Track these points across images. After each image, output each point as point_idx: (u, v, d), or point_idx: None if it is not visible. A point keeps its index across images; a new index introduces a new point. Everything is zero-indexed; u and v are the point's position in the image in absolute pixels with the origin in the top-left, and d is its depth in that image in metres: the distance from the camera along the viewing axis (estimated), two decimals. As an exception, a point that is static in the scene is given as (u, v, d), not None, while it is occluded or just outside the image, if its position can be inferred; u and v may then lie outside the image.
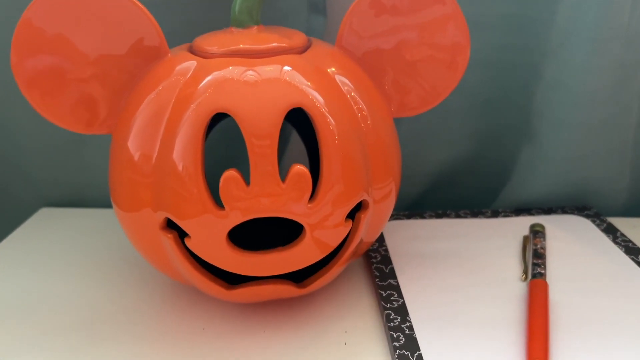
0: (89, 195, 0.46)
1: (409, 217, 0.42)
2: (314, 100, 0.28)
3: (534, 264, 0.35)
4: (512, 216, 0.42)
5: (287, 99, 0.27)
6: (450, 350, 0.29)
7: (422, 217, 0.42)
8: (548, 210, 0.43)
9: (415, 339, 0.29)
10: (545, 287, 0.32)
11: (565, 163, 0.41)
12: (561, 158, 0.41)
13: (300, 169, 0.27)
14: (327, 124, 0.27)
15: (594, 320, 0.31)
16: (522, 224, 0.41)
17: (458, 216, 0.42)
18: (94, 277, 0.36)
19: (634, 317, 0.31)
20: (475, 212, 0.43)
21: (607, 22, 0.37)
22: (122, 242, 0.38)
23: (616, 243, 0.38)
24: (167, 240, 0.29)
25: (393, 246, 0.39)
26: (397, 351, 0.28)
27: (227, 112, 0.27)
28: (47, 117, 0.29)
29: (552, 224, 0.41)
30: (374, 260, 0.37)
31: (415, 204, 0.46)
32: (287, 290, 0.30)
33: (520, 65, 0.42)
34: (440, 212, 0.43)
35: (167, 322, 0.32)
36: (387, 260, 0.37)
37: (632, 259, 0.36)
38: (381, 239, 0.39)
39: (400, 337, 0.29)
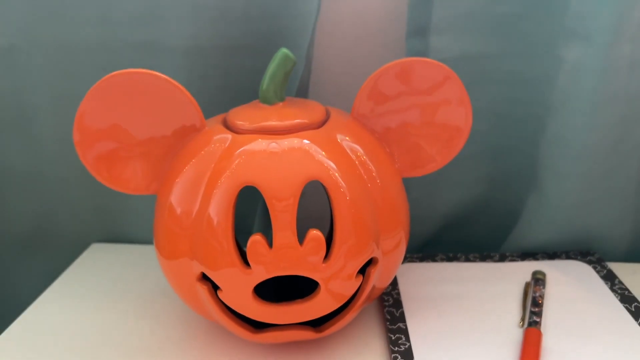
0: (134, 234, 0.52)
1: (421, 259, 0.46)
2: (328, 169, 0.32)
3: (532, 312, 0.38)
4: (518, 261, 0.45)
5: (305, 171, 0.32)
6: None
7: (434, 260, 0.46)
8: (552, 255, 0.46)
9: (417, 382, 0.33)
10: (538, 335, 0.35)
11: (569, 210, 0.44)
12: (565, 205, 0.44)
13: (315, 234, 0.31)
14: (339, 191, 0.32)
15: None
16: (526, 269, 0.44)
17: (467, 259, 0.46)
18: (138, 310, 0.41)
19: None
20: (484, 255, 0.46)
21: (607, 85, 0.40)
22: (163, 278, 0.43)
23: (613, 290, 0.41)
24: (202, 290, 0.33)
25: (405, 289, 0.42)
26: (401, 394, 0.32)
27: (253, 185, 0.31)
28: (103, 183, 0.35)
29: (555, 268, 0.44)
30: (386, 304, 0.41)
31: (428, 244, 0.50)
32: (306, 334, 0.35)
33: (526, 118, 0.45)
34: (451, 255, 0.47)
35: (198, 358, 0.36)
36: (398, 303, 0.41)
37: (626, 308, 0.39)
38: (394, 282, 0.43)
39: (405, 380, 0.33)
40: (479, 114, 0.45)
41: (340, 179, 0.32)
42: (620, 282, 0.42)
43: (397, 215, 0.35)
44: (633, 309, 0.39)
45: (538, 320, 0.37)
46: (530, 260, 0.45)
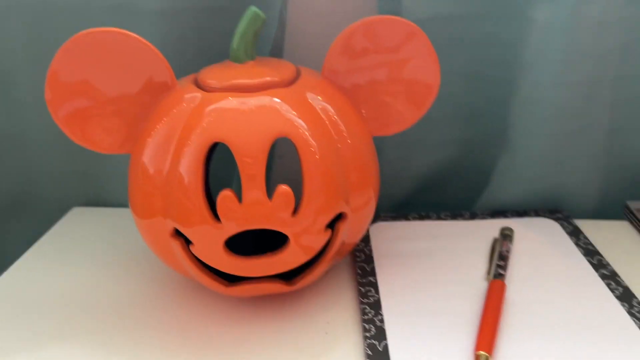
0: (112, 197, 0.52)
1: (394, 218, 0.47)
2: (298, 127, 0.33)
3: (498, 266, 0.39)
4: (488, 219, 0.47)
5: (274, 128, 0.32)
6: (414, 340, 0.34)
7: (407, 218, 0.47)
8: (522, 213, 0.47)
9: (384, 331, 0.34)
10: (502, 287, 0.37)
11: (539, 169, 0.46)
12: (534, 165, 0.45)
13: (284, 190, 0.32)
14: (308, 148, 0.32)
15: (543, 317, 0.35)
16: (496, 226, 0.45)
17: (439, 218, 0.47)
18: (118, 272, 0.42)
19: (580, 314, 0.35)
20: (455, 214, 0.48)
21: (575, 45, 0.41)
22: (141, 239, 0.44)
23: (578, 245, 0.42)
24: (175, 246, 0.34)
25: (377, 246, 0.44)
26: (367, 341, 0.34)
27: (223, 142, 0.32)
28: (76, 142, 0.35)
29: (523, 226, 0.45)
30: (358, 259, 0.42)
31: (403, 205, 0.51)
32: (278, 287, 0.36)
33: (498, 79, 0.46)
34: (423, 214, 0.48)
35: (174, 312, 0.38)
36: (370, 259, 0.42)
37: (589, 261, 0.40)
38: (367, 240, 0.44)
39: (372, 329, 0.35)
40: (452, 75, 0.46)
41: (309, 136, 0.33)
42: (585, 238, 0.43)
43: (366, 173, 0.36)
44: (595, 262, 0.40)
45: (503, 273, 0.38)
46: (500, 218, 0.47)
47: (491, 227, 0.45)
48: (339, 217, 0.35)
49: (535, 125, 0.44)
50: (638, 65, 0.42)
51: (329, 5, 0.46)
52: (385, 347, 0.33)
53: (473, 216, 0.47)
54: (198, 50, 0.45)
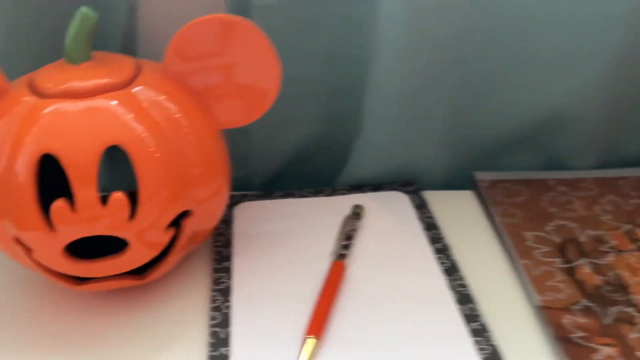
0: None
1: (259, 198, 0.49)
2: (131, 132, 0.33)
3: (342, 246, 0.43)
4: (346, 194, 0.50)
5: (105, 136, 0.33)
6: (258, 325, 0.37)
7: (271, 197, 0.49)
8: (378, 187, 0.50)
9: (229, 318, 0.37)
10: (341, 267, 0.40)
11: (391, 148, 0.48)
12: (386, 144, 0.48)
13: (117, 197, 0.33)
14: (141, 155, 0.33)
15: (377, 294, 0.39)
16: (352, 202, 0.48)
17: (302, 195, 0.50)
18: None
19: (408, 289, 0.39)
20: (317, 190, 0.50)
21: (414, 33, 0.43)
22: None
23: (420, 219, 0.46)
24: (19, 251, 0.35)
25: (239, 228, 0.46)
26: (212, 329, 0.36)
27: (52, 153, 0.32)
28: None
29: (377, 200, 0.49)
30: (217, 244, 0.44)
31: (272, 181, 0.53)
32: (129, 282, 0.38)
33: (353, 61, 0.47)
34: (287, 191, 0.50)
35: (25, 307, 0.39)
36: (228, 243, 0.44)
37: (427, 235, 0.44)
38: (230, 222, 0.46)
39: (218, 317, 0.37)
40: (312, 57, 0.48)
41: (143, 140, 0.33)
42: (429, 211, 0.47)
43: (213, 166, 0.38)
44: (432, 236, 0.44)
45: (345, 252, 0.42)
46: (357, 193, 0.50)
47: (348, 203, 0.48)
48: (185, 212, 0.37)
49: (380, 108, 0.46)
50: (476, 50, 0.45)
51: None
52: (227, 334, 0.36)
53: (333, 192, 0.50)
54: (44, 49, 0.43)
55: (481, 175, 0.51)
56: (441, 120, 0.48)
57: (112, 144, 0.33)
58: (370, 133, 0.48)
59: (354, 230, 0.44)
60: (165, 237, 0.36)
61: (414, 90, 0.45)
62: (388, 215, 0.47)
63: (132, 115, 0.34)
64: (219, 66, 0.36)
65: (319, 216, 0.47)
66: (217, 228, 0.45)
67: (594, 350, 0.34)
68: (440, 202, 0.49)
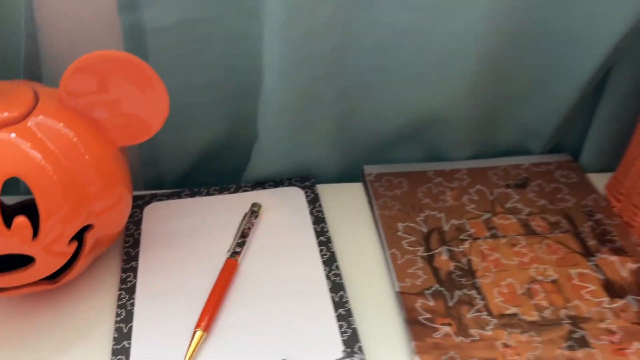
0: None
1: (168, 197, 0.54)
2: (28, 163, 0.38)
3: (237, 243, 0.48)
4: (249, 190, 0.55)
5: (4, 170, 0.37)
6: (157, 320, 0.43)
7: (180, 196, 0.55)
8: (279, 183, 0.56)
9: (132, 314, 0.43)
10: (233, 264, 0.46)
11: (286, 150, 0.54)
12: (281, 147, 0.53)
13: (20, 221, 0.38)
14: (39, 184, 0.38)
15: (265, 288, 0.45)
16: (254, 199, 0.54)
17: (208, 193, 0.55)
18: None
19: (292, 280, 0.46)
20: (223, 188, 0.55)
21: (296, 49, 0.47)
22: None
23: (311, 213, 0.52)
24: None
25: (147, 228, 0.51)
26: (117, 324, 0.42)
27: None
28: None
29: (275, 196, 0.54)
30: (126, 245, 0.49)
31: (183, 180, 0.58)
32: (43, 287, 0.43)
33: (250, 71, 0.52)
34: (195, 190, 0.55)
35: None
36: (137, 243, 0.49)
37: (314, 229, 0.51)
38: (139, 222, 0.51)
39: (123, 313, 0.43)
40: (211, 67, 0.52)
41: (38, 170, 0.38)
42: (319, 205, 0.53)
43: (111, 181, 0.42)
44: (319, 229, 0.50)
45: (239, 250, 0.48)
46: (259, 189, 0.55)
47: (250, 200, 0.54)
48: (87, 226, 0.42)
49: (272, 117, 0.51)
50: (354, 63, 0.50)
51: (74, 21, 0.49)
52: (130, 329, 0.42)
53: (238, 189, 0.55)
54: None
55: (369, 169, 0.57)
56: (329, 124, 0.53)
57: (10, 176, 0.37)
58: (264, 138, 0.53)
59: (249, 228, 0.50)
60: (69, 249, 0.41)
61: (299, 101, 0.50)
62: (284, 211, 0.53)
63: (29, 145, 0.38)
64: (105, 101, 0.41)
65: (222, 214, 0.52)
66: (127, 228, 0.51)
67: (435, 330, 0.42)
68: (333, 195, 0.55)
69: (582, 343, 0.40)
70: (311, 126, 0.52)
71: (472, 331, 0.41)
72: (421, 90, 0.52)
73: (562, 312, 0.42)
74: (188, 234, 0.50)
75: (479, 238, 0.49)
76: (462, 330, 0.41)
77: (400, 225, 0.50)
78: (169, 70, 0.50)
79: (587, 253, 0.47)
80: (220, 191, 0.55)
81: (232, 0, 0.48)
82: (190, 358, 0.40)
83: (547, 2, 0.48)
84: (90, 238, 0.42)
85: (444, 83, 0.52)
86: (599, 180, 0.55)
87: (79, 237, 0.42)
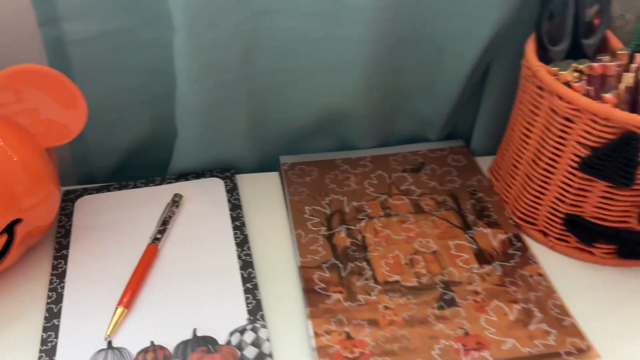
0: None
1: (98, 191, 0.59)
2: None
3: (159, 230, 0.54)
4: (173, 182, 0.61)
5: None
6: (85, 300, 0.48)
7: (109, 190, 0.60)
8: (201, 175, 0.62)
9: (62, 295, 0.48)
10: (153, 250, 0.52)
11: (205, 145, 0.59)
12: (199, 143, 0.59)
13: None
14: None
15: (186, 268, 0.51)
16: (177, 190, 0.59)
17: (135, 186, 0.60)
18: None
19: (210, 261, 0.52)
20: (149, 181, 0.61)
21: (202, 58, 0.52)
22: None
23: (229, 201, 0.58)
24: None
25: (79, 220, 0.56)
26: (47, 305, 0.48)
27: None
28: None
29: (197, 187, 0.60)
30: (58, 235, 0.54)
31: (115, 174, 0.63)
32: (-21, 275, 0.48)
33: (169, 74, 0.57)
34: (123, 183, 0.60)
35: None
36: (68, 233, 0.54)
37: (231, 215, 0.57)
38: (71, 214, 0.56)
39: (53, 295, 0.48)
40: (132, 72, 0.57)
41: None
42: (237, 194, 0.59)
43: (38, 178, 0.47)
44: (235, 215, 0.57)
45: (160, 236, 0.53)
46: (182, 181, 0.61)
47: (172, 191, 0.59)
48: (17, 219, 0.47)
49: (190, 115, 0.56)
50: (261, 67, 0.56)
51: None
52: (60, 309, 0.47)
53: (163, 181, 0.61)
54: None
55: (284, 159, 0.63)
56: (243, 122, 0.59)
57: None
58: (183, 135, 0.58)
59: (170, 216, 0.56)
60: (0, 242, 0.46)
61: (210, 102, 0.56)
62: (204, 200, 0.59)
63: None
64: (24, 110, 0.46)
65: (147, 205, 0.58)
66: (59, 220, 0.56)
67: (328, 297, 0.48)
68: (251, 183, 0.61)
69: (451, 303, 0.48)
70: (226, 124, 0.58)
71: (359, 297, 0.48)
72: (325, 90, 0.59)
73: (438, 278, 0.50)
74: (116, 224, 0.56)
75: (374, 217, 0.56)
76: (351, 296, 0.48)
77: (307, 209, 0.57)
78: (93, 77, 0.56)
79: (466, 227, 0.55)
80: (147, 184, 0.61)
81: (146, 12, 0.53)
82: (111, 331, 0.45)
83: (425, 12, 0.54)
84: (20, 231, 0.47)
85: (344, 83, 0.58)
86: (486, 163, 0.63)
87: (10, 230, 0.47)
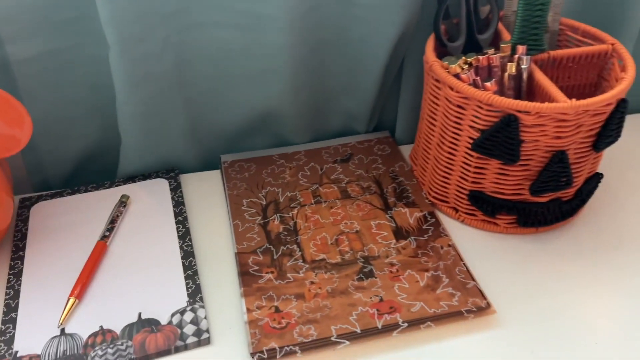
0: None
1: (51, 197, 0.64)
2: None
3: (108, 228, 0.59)
4: (122, 184, 0.66)
5: None
6: (40, 295, 0.53)
7: (62, 195, 0.65)
8: (147, 176, 0.67)
9: (19, 292, 0.53)
10: (102, 246, 0.57)
11: (147, 149, 0.65)
12: (142, 147, 0.64)
13: None
14: None
15: (132, 261, 0.56)
16: (124, 192, 0.65)
17: (87, 190, 0.65)
18: None
19: (155, 253, 0.57)
20: (99, 184, 0.66)
21: (132, 72, 0.57)
22: None
23: (173, 199, 0.64)
24: None
25: (34, 224, 0.61)
26: (5, 301, 0.52)
27: None
28: None
29: (143, 188, 0.65)
30: (15, 238, 0.59)
31: (68, 181, 0.68)
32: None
33: (110, 88, 0.62)
34: (75, 188, 0.65)
35: None
36: (24, 237, 0.59)
37: (174, 211, 0.62)
38: (27, 220, 0.61)
39: (10, 292, 0.53)
40: (76, 86, 0.62)
41: None
42: (180, 192, 0.64)
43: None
44: (178, 211, 0.62)
45: (108, 234, 0.58)
46: (130, 183, 0.66)
47: (121, 193, 0.64)
48: (-27, 225, 0.52)
49: (129, 122, 0.62)
50: (197, 74, 0.61)
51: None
52: (17, 304, 0.52)
53: (112, 184, 0.66)
54: None
55: (225, 157, 0.69)
56: (182, 125, 0.65)
57: None
58: (126, 141, 0.64)
59: (118, 215, 0.61)
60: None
61: (148, 110, 0.61)
62: (149, 199, 0.64)
63: None
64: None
65: (98, 207, 0.63)
66: (16, 225, 0.60)
67: (261, 277, 0.54)
68: (194, 182, 0.67)
69: (369, 274, 0.54)
70: (166, 128, 0.64)
71: (289, 275, 0.54)
72: (256, 92, 0.64)
73: (359, 254, 0.56)
74: (69, 226, 0.60)
75: (305, 205, 0.62)
76: (281, 275, 0.54)
77: (244, 201, 0.62)
78: (39, 93, 0.61)
79: (387, 208, 0.61)
80: (97, 187, 0.65)
81: (84, 31, 0.58)
82: (64, 319, 0.50)
83: (339, 18, 0.60)
84: (-26, 235, 0.52)
85: (272, 86, 0.64)
86: (408, 151, 0.69)
87: (-33, 235, 0.52)
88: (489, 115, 0.51)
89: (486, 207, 0.57)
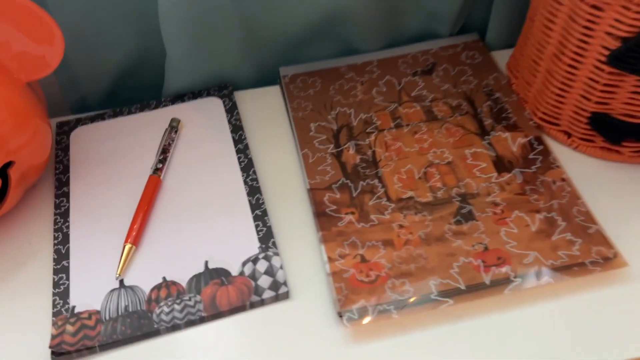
0: None
1: (92, 120, 0.56)
2: None
3: (159, 160, 0.51)
4: (169, 105, 0.57)
5: None
6: (91, 238, 0.47)
7: (103, 118, 0.57)
8: (197, 95, 0.58)
9: (68, 235, 0.47)
10: (155, 181, 0.50)
11: (195, 61, 0.55)
12: (189, 59, 0.55)
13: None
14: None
15: (189, 199, 0.49)
16: (174, 113, 0.56)
17: (130, 112, 0.57)
18: None
19: (214, 188, 0.50)
20: (144, 105, 0.57)
21: None
22: None
23: (229, 122, 0.55)
24: None
25: (75, 154, 0.53)
26: (55, 247, 0.46)
27: None
28: None
29: (194, 109, 0.56)
30: (57, 172, 0.52)
31: (106, 100, 0.60)
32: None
33: None
34: (117, 110, 0.57)
35: None
36: (66, 169, 0.52)
37: (232, 137, 0.54)
38: (67, 148, 0.54)
39: (60, 236, 0.47)
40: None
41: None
42: (237, 113, 0.56)
43: (23, 115, 0.44)
44: (237, 137, 0.54)
45: (161, 166, 0.51)
46: (179, 103, 0.57)
47: (169, 115, 0.56)
48: (10, 163, 0.45)
49: (176, 26, 0.52)
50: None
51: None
52: (67, 249, 0.46)
53: (158, 105, 0.57)
54: None
55: (284, 71, 0.59)
56: (234, 29, 0.54)
57: None
58: (171, 52, 0.54)
59: (170, 144, 0.53)
60: (-5, 187, 0.44)
61: (195, 11, 0.51)
62: (203, 123, 0.55)
63: None
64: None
65: (144, 132, 0.55)
66: (56, 155, 0.53)
67: (340, 219, 0.46)
68: (251, 100, 0.58)
69: (468, 217, 0.46)
70: (216, 34, 0.53)
71: (372, 217, 0.46)
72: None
73: (454, 191, 0.47)
74: (114, 155, 0.53)
75: (384, 129, 0.53)
76: (363, 217, 0.46)
77: (312, 126, 0.53)
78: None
79: (483, 132, 0.51)
80: (142, 109, 0.57)
81: None
82: (121, 270, 0.44)
83: None
84: (14, 174, 0.45)
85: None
86: (504, 58, 0.58)
87: (4, 174, 0.45)
88: (637, 19, 0.39)
89: (611, 133, 0.47)
